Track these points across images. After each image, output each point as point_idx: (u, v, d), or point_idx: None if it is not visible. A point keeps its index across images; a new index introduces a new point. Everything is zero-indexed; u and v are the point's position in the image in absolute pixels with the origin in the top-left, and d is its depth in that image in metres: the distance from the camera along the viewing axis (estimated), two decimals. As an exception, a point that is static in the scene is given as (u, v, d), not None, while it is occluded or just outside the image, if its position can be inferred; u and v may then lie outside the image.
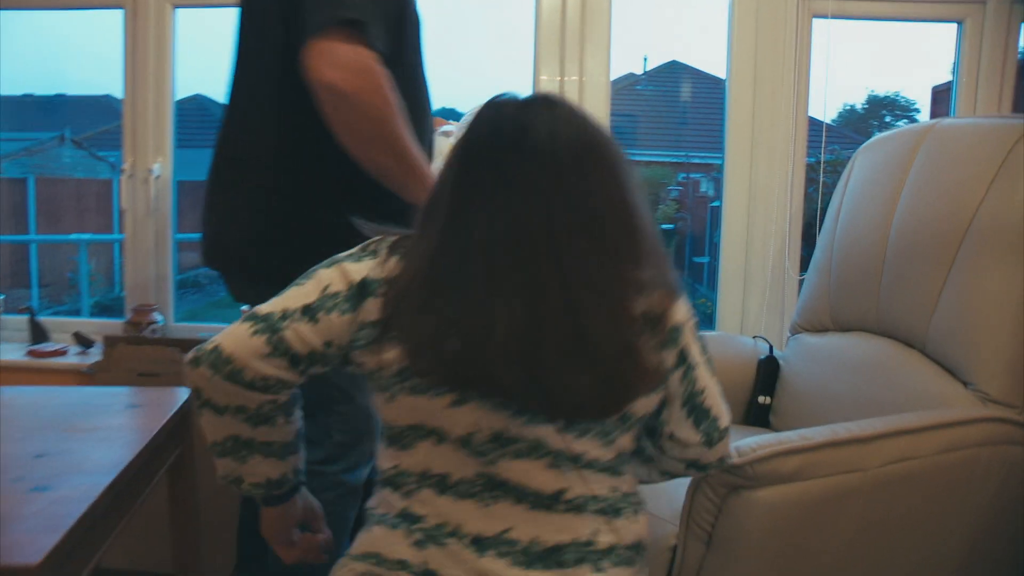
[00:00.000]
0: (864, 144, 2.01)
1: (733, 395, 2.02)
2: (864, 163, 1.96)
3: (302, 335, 0.93)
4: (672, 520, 1.40)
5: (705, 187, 6.24)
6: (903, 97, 6.26)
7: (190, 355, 0.96)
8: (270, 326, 0.93)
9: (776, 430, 1.94)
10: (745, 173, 2.47)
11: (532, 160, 0.90)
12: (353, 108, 1.28)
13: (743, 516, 1.26)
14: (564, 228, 0.88)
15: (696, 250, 6.70)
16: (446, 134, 1.96)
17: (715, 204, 6.16)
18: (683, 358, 1.00)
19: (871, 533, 1.33)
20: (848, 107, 5.72)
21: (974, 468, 1.39)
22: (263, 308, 0.95)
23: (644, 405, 0.98)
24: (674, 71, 6.43)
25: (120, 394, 1.55)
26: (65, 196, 6.01)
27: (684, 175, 6.50)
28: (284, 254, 1.39)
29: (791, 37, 2.38)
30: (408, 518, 0.95)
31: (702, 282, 6.85)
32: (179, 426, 1.49)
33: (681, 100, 6.43)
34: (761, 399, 2.00)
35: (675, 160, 6.42)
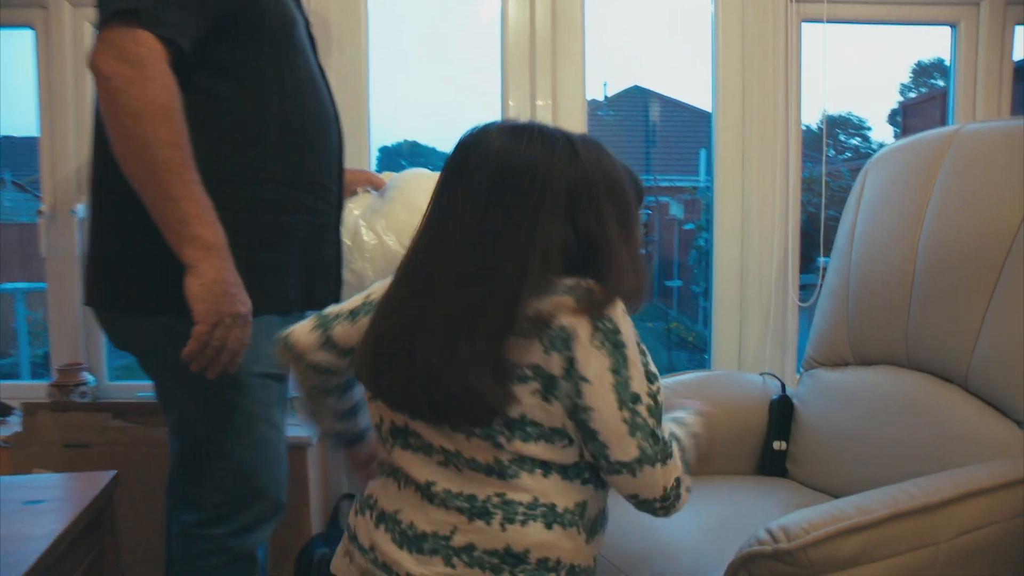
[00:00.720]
0: (875, 155, 1.80)
1: (745, 441, 1.82)
2: (879, 177, 1.75)
3: (345, 332, 1.08)
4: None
5: (674, 210, 6.11)
6: (855, 116, 6.24)
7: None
8: (324, 323, 1.10)
9: (797, 480, 1.71)
10: (736, 194, 2.27)
11: (458, 187, 0.97)
12: (109, 95, 1.12)
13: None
14: (452, 259, 0.94)
15: (666, 274, 6.55)
16: (373, 189, 1.73)
17: (688, 227, 6.04)
18: (571, 367, 0.91)
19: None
20: (805, 127, 5.66)
21: (1054, 529, 1.18)
22: (330, 308, 1.12)
23: (535, 410, 0.93)
24: (635, 96, 6.35)
25: (16, 486, 1.26)
26: (4, 242, 5.69)
27: (653, 199, 6.36)
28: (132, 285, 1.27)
29: (780, 44, 2.20)
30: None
31: (673, 307, 6.69)
32: (94, 524, 1.22)
33: (645, 124, 6.34)
34: (777, 445, 1.76)
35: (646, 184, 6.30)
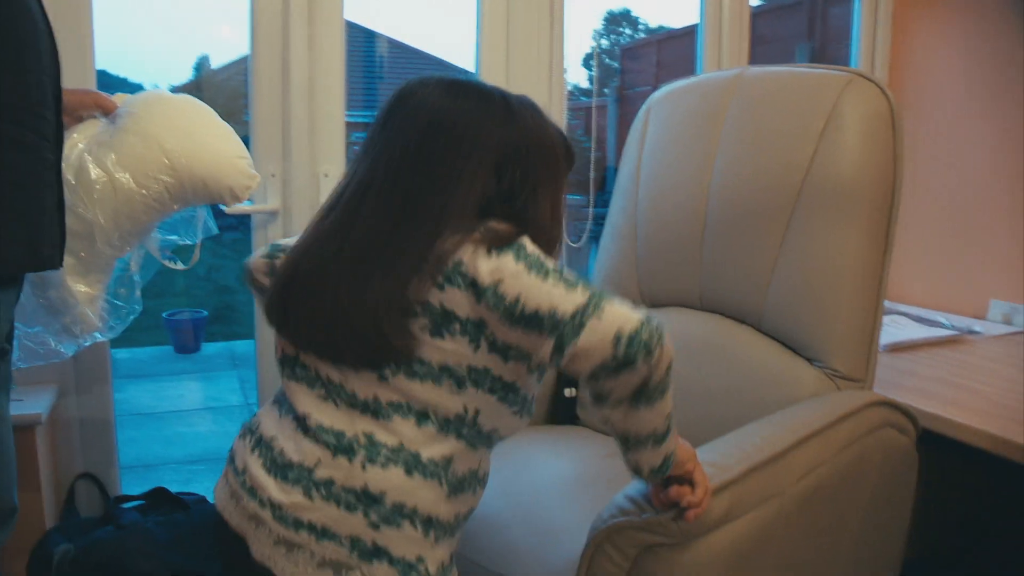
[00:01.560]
0: (656, 95, 1.78)
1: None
2: (661, 117, 1.72)
3: None
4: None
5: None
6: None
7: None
8: (273, 251, 1.16)
9: (589, 427, 1.67)
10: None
11: (390, 135, 0.98)
12: None
13: (663, 581, 0.96)
14: (375, 204, 0.95)
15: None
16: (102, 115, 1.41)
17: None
18: (474, 286, 0.90)
19: (789, 560, 1.10)
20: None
21: (864, 459, 1.26)
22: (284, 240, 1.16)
23: (423, 347, 0.93)
24: (350, 32, 6.14)
25: None
26: None
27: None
28: None
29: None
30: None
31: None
32: None
33: (363, 61, 6.12)
34: (567, 392, 1.72)
35: (367, 120, 6.12)
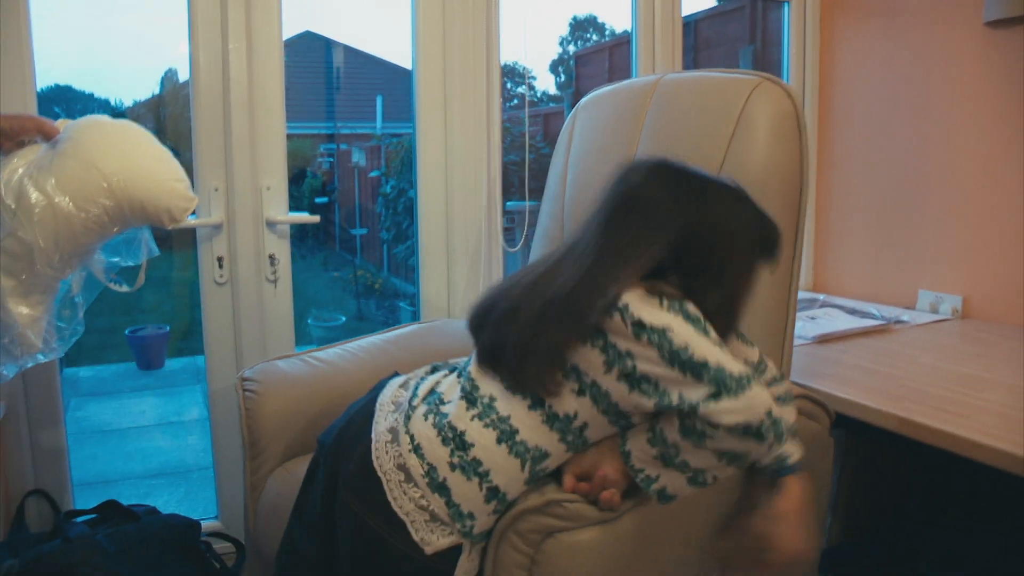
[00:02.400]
0: (584, 99, 1.84)
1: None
2: (587, 122, 1.79)
3: None
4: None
5: (356, 157, 5.98)
6: (520, 65, 6.54)
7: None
8: None
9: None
10: (439, 140, 2.22)
11: (598, 209, 1.15)
12: None
13: (564, 566, 1.01)
14: (570, 262, 1.10)
15: (351, 222, 6.44)
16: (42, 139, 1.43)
17: (373, 174, 5.95)
18: (639, 325, 1.01)
19: (698, 541, 1.15)
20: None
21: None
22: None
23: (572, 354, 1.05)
24: (309, 42, 6.12)
25: None
26: None
27: (334, 146, 6.19)
28: None
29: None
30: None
31: (358, 255, 6.61)
32: None
33: (323, 71, 6.12)
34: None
35: (326, 132, 6.11)
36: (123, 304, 5.70)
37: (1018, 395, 1.51)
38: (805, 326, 2.06)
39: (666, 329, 0.99)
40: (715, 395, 0.94)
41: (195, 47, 1.93)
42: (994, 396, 1.51)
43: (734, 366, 0.96)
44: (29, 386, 1.90)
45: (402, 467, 1.08)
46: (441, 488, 1.06)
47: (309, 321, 5.37)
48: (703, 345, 0.98)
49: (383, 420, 1.16)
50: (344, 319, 5.64)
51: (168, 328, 5.22)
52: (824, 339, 1.99)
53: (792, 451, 1.20)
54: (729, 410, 0.94)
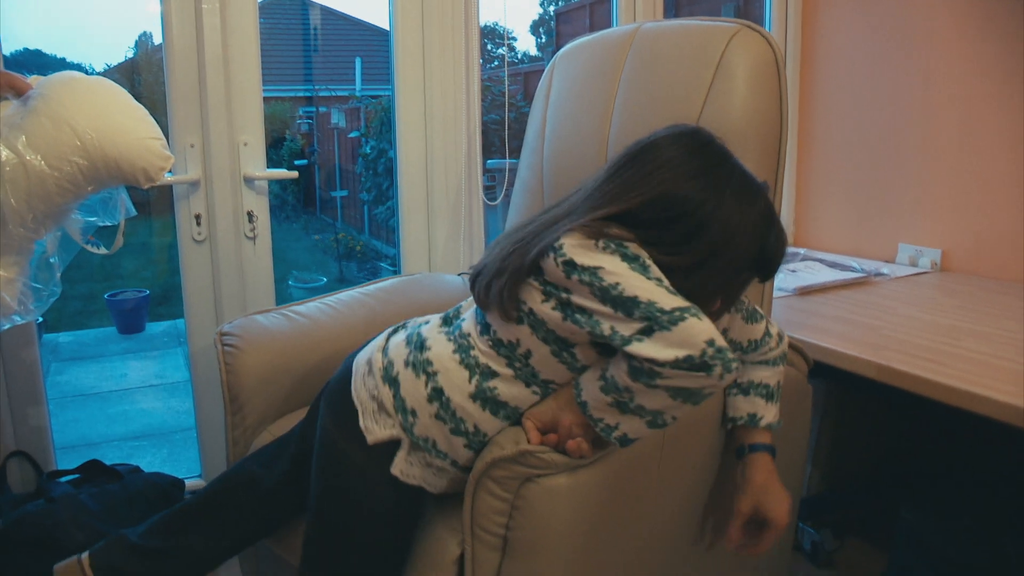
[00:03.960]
0: (561, 51, 1.82)
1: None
2: (565, 73, 1.77)
3: None
4: (450, 526, 1.12)
5: (336, 119, 5.92)
6: (501, 26, 6.49)
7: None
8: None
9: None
10: (418, 99, 2.20)
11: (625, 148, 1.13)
12: None
13: (543, 510, 1.01)
14: (557, 206, 1.14)
15: (331, 184, 6.40)
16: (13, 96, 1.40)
17: (353, 135, 5.89)
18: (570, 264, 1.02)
19: (676, 485, 1.16)
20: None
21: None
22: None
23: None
24: (286, 3, 6.04)
25: None
26: None
27: (313, 109, 6.12)
28: None
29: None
30: None
31: (338, 218, 6.57)
32: None
33: (301, 33, 6.04)
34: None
35: (304, 95, 6.05)
36: (102, 270, 5.66)
37: (996, 344, 1.52)
38: (785, 278, 2.07)
39: (597, 268, 0.98)
40: (647, 331, 0.94)
41: (167, 7, 1.90)
42: (972, 345, 1.52)
43: (668, 301, 0.94)
44: (6, 348, 1.89)
45: (368, 362, 1.20)
46: (392, 381, 1.15)
47: (290, 283, 5.35)
48: (636, 282, 0.97)
49: (368, 349, 1.25)
50: (325, 280, 5.62)
51: (148, 292, 5.19)
52: (804, 291, 1.99)
53: (765, 412, 1.22)
54: (665, 345, 0.92)
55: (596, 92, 1.65)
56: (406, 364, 1.16)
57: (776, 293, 1.83)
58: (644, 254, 1.01)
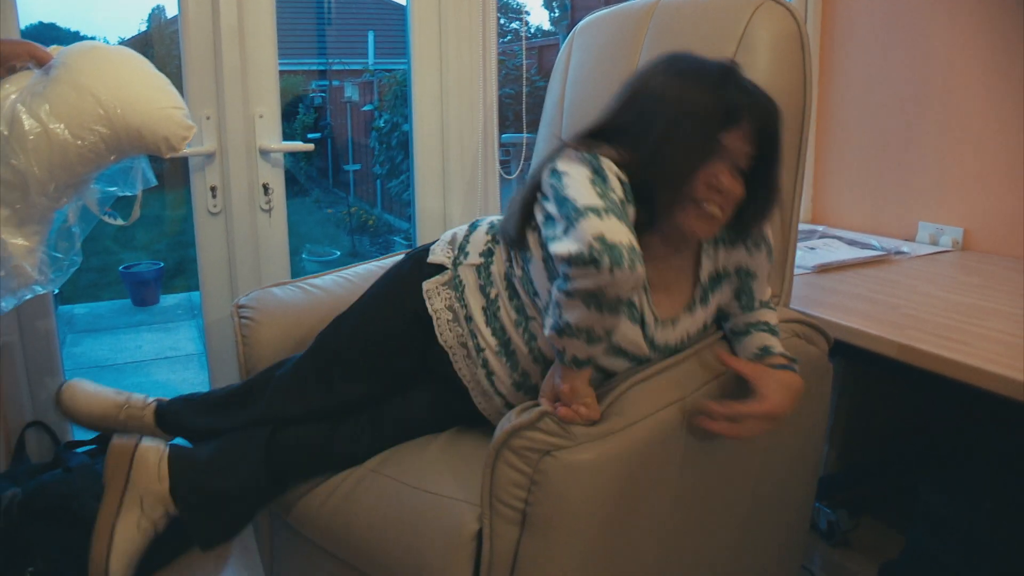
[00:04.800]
0: (579, 25, 1.79)
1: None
2: (584, 45, 1.74)
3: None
4: (470, 500, 1.12)
5: (349, 92, 5.89)
6: (514, 1, 6.47)
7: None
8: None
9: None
10: (435, 72, 2.18)
11: None
12: None
13: (562, 486, 1.01)
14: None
15: (343, 158, 6.38)
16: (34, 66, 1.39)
17: (366, 108, 5.86)
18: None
19: (695, 463, 1.15)
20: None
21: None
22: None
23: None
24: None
25: None
26: None
27: (326, 83, 6.09)
28: None
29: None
30: None
31: (351, 192, 6.56)
32: None
33: (315, 6, 6.01)
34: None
35: (318, 68, 6.02)
36: (116, 243, 5.67)
37: (1018, 323, 1.50)
38: (804, 256, 2.05)
39: (564, 174, 1.06)
40: (566, 230, 0.98)
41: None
42: (995, 324, 1.50)
43: (586, 200, 0.99)
44: (23, 319, 1.89)
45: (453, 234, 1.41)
46: (465, 239, 1.36)
47: (304, 256, 5.36)
48: (579, 186, 1.02)
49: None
50: (339, 254, 5.62)
51: (162, 264, 5.20)
52: (823, 268, 1.97)
53: (775, 343, 1.24)
54: (569, 242, 0.96)
55: (616, 65, 1.63)
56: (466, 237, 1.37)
57: (795, 271, 1.81)
58: (616, 173, 1.06)
